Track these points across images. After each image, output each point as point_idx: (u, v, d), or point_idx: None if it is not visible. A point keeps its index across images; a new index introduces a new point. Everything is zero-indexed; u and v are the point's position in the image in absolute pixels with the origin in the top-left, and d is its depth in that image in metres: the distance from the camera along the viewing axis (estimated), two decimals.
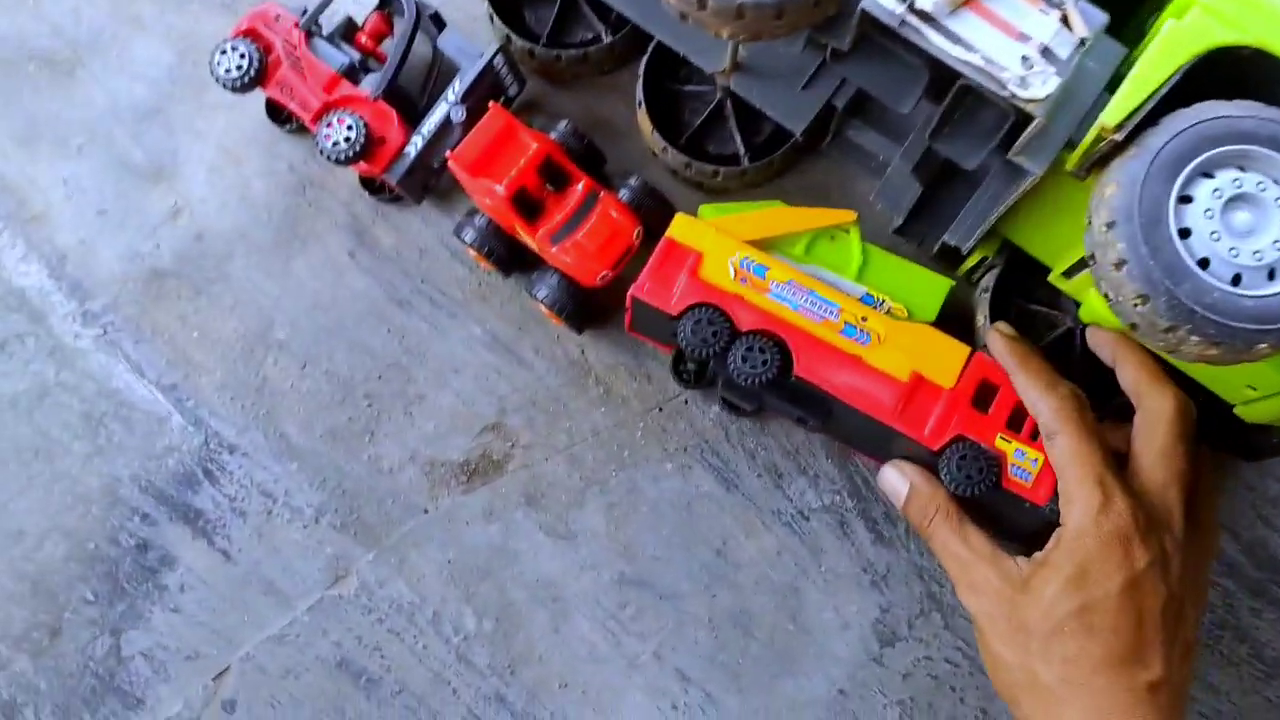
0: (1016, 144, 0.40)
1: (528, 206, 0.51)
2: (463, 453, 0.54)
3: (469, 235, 0.52)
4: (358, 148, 0.51)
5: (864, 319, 0.49)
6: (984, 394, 0.49)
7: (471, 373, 0.55)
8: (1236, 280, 0.36)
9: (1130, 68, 0.38)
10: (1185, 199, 0.37)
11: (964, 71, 0.38)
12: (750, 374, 0.48)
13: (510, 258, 0.53)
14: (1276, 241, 0.36)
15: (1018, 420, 0.48)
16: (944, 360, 0.49)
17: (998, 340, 0.48)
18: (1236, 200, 0.37)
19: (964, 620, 0.53)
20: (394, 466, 0.54)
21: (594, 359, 0.55)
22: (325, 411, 0.55)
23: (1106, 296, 0.38)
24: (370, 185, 0.56)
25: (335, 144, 0.51)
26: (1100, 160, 0.39)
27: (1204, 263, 0.36)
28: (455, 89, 0.52)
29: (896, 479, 0.49)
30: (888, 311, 0.50)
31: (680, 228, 0.49)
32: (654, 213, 0.53)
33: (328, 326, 0.55)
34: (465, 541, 0.53)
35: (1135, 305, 0.37)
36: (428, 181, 0.55)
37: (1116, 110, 0.37)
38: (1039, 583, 0.43)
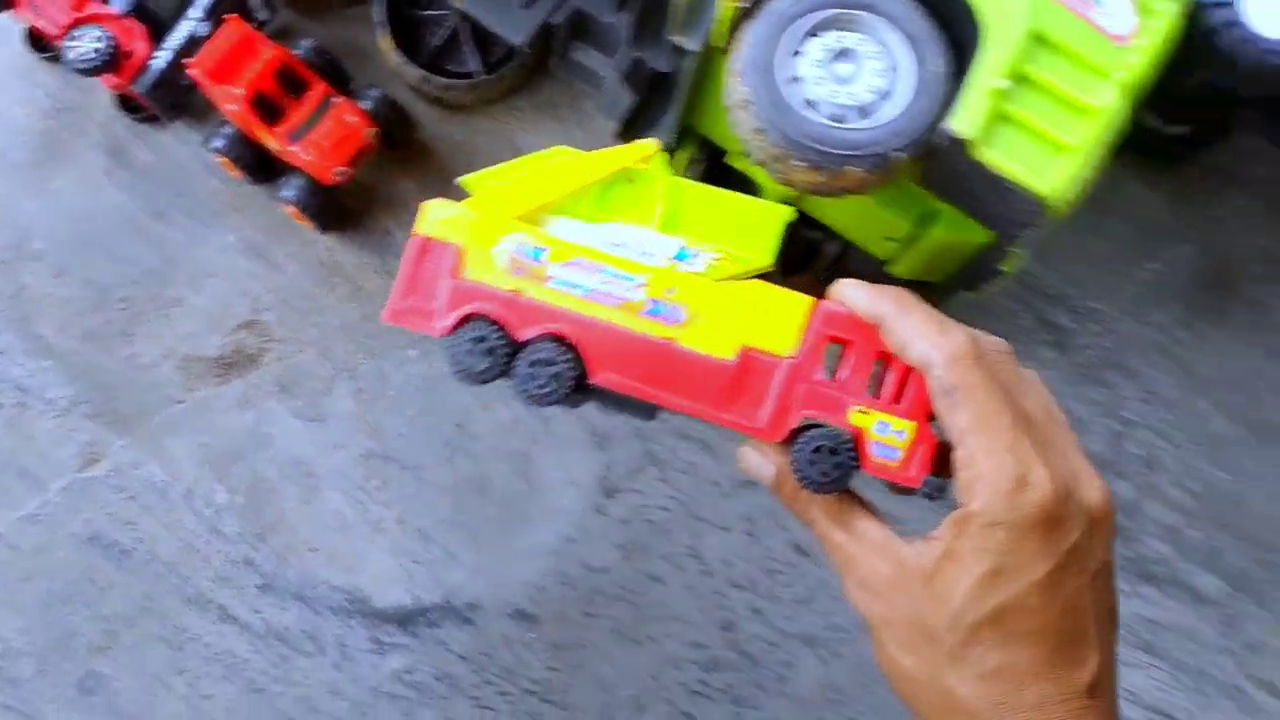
0: (671, 24, 0.47)
1: (269, 110, 0.55)
2: (218, 349, 0.58)
3: (218, 143, 0.56)
4: (105, 58, 0.55)
5: (672, 289, 0.40)
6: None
7: (226, 277, 0.59)
8: (839, 119, 0.43)
9: None
10: (798, 53, 0.44)
11: None
12: (539, 395, 0.40)
13: (257, 164, 0.57)
14: (869, 88, 0.43)
15: (878, 383, 0.39)
16: (780, 321, 0.40)
17: (859, 289, 0.39)
18: (840, 55, 0.44)
19: (680, 473, 0.58)
20: (150, 363, 0.57)
21: (342, 258, 0.59)
22: (82, 315, 0.57)
23: (739, 138, 0.45)
24: (127, 105, 0.60)
25: (83, 54, 0.54)
26: (735, 28, 0.45)
27: (813, 104, 0.43)
28: (200, 5, 0.57)
29: (758, 462, 0.41)
30: (710, 265, 0.40)
31: (430, 218, 0.40)
32: (393, 122, 0.58)
33: (85, 238, 0.58)
34: (219, 427, 0.57)
35: (756, 140, 0.43)
36: (179, 99, 0.59)
37: None
38: (944, 582, 0.36)
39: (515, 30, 0.57)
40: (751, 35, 0.44)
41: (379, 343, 0.58)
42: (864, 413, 0.39)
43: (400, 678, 0.54)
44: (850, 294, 0.38)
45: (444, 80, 0.59)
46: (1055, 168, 0.43)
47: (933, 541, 0.36)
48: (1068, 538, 0.35)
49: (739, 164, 0.55)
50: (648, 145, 0.40)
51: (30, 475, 0.55)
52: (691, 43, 0.47)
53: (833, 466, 0.38)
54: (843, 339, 0.39)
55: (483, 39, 0.60)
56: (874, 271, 0.57)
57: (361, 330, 0.58)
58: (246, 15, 0.59)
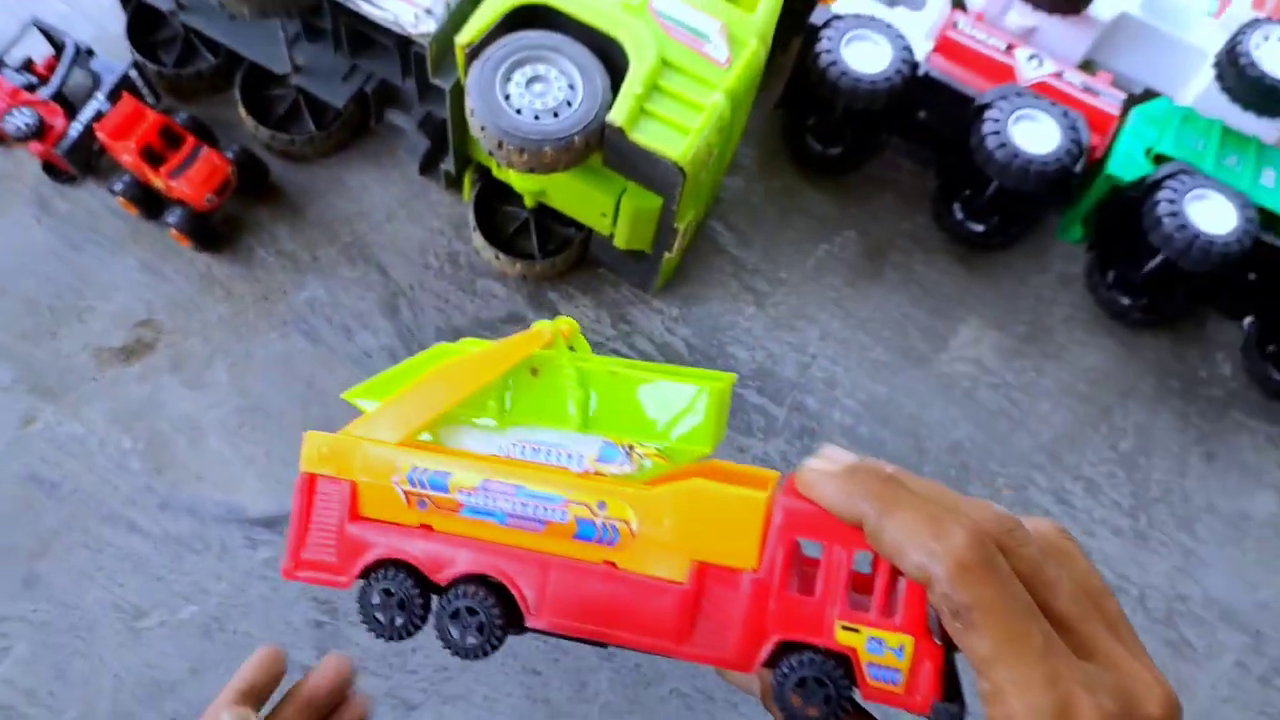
0: (429, 71, 0.69)
1: (155, 159, 0.76)
2: (122, 341, 0.77)
3: (118, 186, 0.77)
4: (34, 129, 0.75)
5: (601, 504, 0.35)
6: (803, 562, 0.35)
7: (127, 289, 0.78)
8: (538, 118, 0.65)
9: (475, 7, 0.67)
10: (509, 79, 0.66)
11: (381, 22, 0.67)
12: (469, 649, 0.35)
13: (148, 202, 0.78)
14: (555, 99, 0.66)
15: (861, 587, 0.34)
16: (733, 527, 0.34)
17: (829, 482, 0.33)
18: (535, 79, 0.66)
19: None
20: (71, 353, 0.76)
21: (216, 271, 0.79)
22: (18, 320, 0.76)
23: (476, 137, 0.66)
24: (49, 170, 0.80)
25: (17, 126, 0.75)
26: (467, 68, 0.68)
27: (519, 110, 0.65)
28: (102, 90, 0.78)
29: (743, 678, 0.37)
30: (639, 463, 0.35)
31: (314, 452, 0.36)
32: (249, 167, 0.79)
33: (20, 266, 0.77)
34: (124, 396, 0.75)
35: (482, 136, 0.65)
36: (88, 160, 0.79)
37: (466, 36, 0.66)
38: None
39: (337, 97, 0.79)
40: (474, 71, 0.66)
41: (247, 330, 0.78)
42: (851, 629, 0.33)
43: (268, 564, 0.72)
44: (820, 490, 0.33)
45: (287, 137, 0.81)
46: (681, 143, 0.65)
47: None
48: None
49: (499, 174, 0.77)
50: (539, 333, 0.36)
51: None
52: (445, 82, 0.70)
53: (823, 700, 0.33)
54: (814, 538, 0.33)
55: (316, 106, 0.82)
56: (614, 252, 0.79)
57: (233, 323, 0.78)
58: (138, 98, 0.80)
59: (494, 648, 0.35)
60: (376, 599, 0.36)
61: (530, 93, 0.66)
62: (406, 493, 0.36)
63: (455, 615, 0.35)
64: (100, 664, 0.68)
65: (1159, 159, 0.81)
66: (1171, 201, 0.77)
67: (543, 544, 0.35)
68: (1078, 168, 0.80)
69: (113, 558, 0.70)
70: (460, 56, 0.67)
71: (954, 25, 0.83)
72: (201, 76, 0.82)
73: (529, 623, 0.35)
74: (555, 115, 0.65)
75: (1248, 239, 0.76)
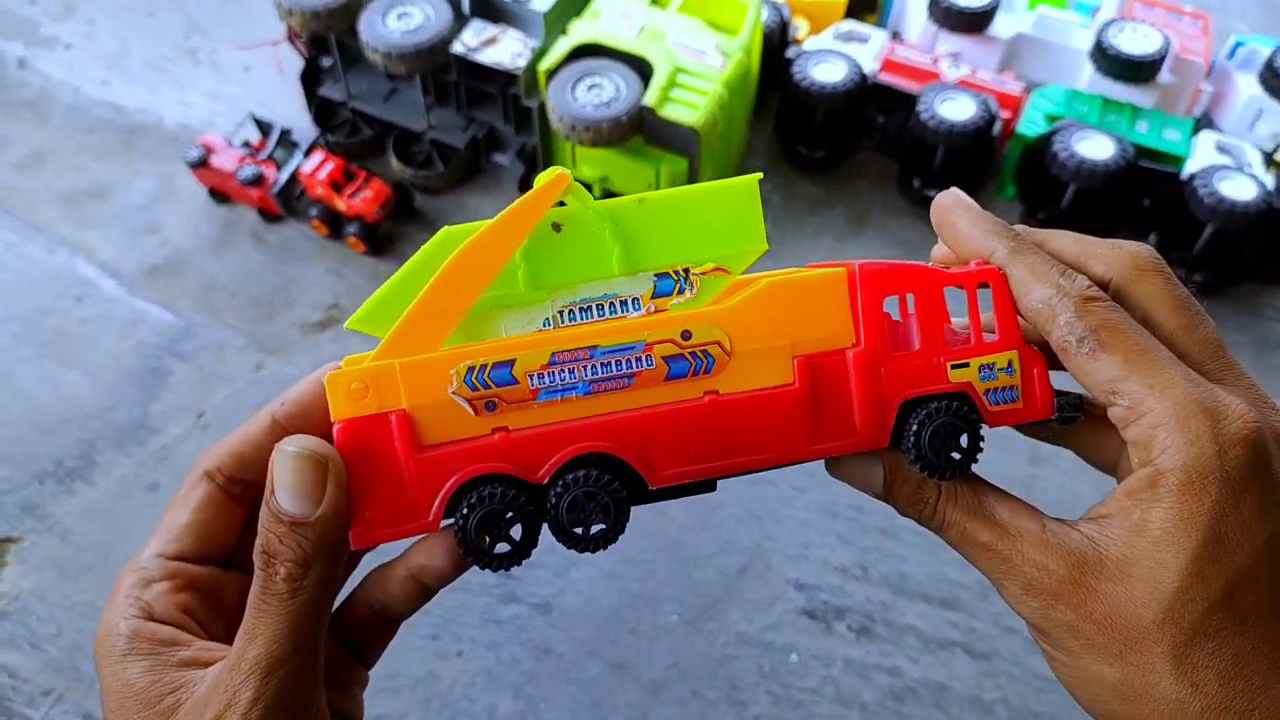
0: (522, 94, 1.03)
1: (337, 188, 1.09)
2: (319, 318, 1.08)
3: (314, 212, 1.10)
4: (255, 178, 1.10)
5: (685, 335, 0.33)
6: (892, 325, 0.35)
7: (320, 286, 1.10)
8: (596, 109, 0.97)
9: (552, 44, 1.01)
10: (574, 86, 0.99)
11: (492, 65, 1.01)
12: (595, 542, 0.33)
13: (333, 221, 1.11)
14: (607, 96, 0.98)
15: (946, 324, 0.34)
16: (825, 309, 0.34)
17: (963, 216, 0.35)
18: (593, 86, 0.99)
19: None
20: (287, 326, 1.07)
21: (382, 270, 1.11)
22: (247, 310, 1.08)
23: (555, 127, 0.99)
24: (263, 215, 1.14)
25: (245, 177, 1.10)
26: (547, 85, 1.01)
27: (584, 105, 0.98)
28: (300, 150, 1.13)
29: (859, 469, 0.35)
30: (702, 284, 0.34)
31: (342, 395, 0.33)
32: (401, 193, 1.12)
33: (246, 277, 1.10)
34: (321, 351, 1.06)
35: (559, 123, 0.97)
36: (289, 203, 1.13)
37: (546, 64, 1.00)
38: (1148, 566, 0.30)
39: (459, 141, 1.12)
40: (553, 86, 0.99)
41: None
42: (961, 365, 0.33)
43: None
44: (954, 217, 0.35)
45: (424, 174, 1.14)
46: (694, 114, 0.97)
47: (1109, 522, 0.30)
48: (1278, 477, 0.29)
49: (578, 171, 1.09)
50: (548, 176, 0.33)
51: (224, 376, 1.03)
52: (533, 102, 1.03)
53: (953, 439, 0.33)
54: (898, 292, 0.34)
55: (444, 153, 1.15)
56: None
57: None
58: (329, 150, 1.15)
59: (623, 527, 0.33)
60: (477, 527, 0.33)
61: (590, 95, 0.98)
62: (469, 400, 0.33)
63: (571, 506, 0.33)
64: None
65: (1055, 121, 1.10)
66: (1063, 142, 1.06)
67: (637, 400, 0.33)
68: (994, 130, 1.09)
69: None
70: (542, 79, 1.00)
71: (893, 50, 1.15)
72: (364, 144, 1.17)
73: (652, 485, 0.34)
74: (608, 106, 0.98)
75: (1123, 161, 1.04)
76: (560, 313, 0.35)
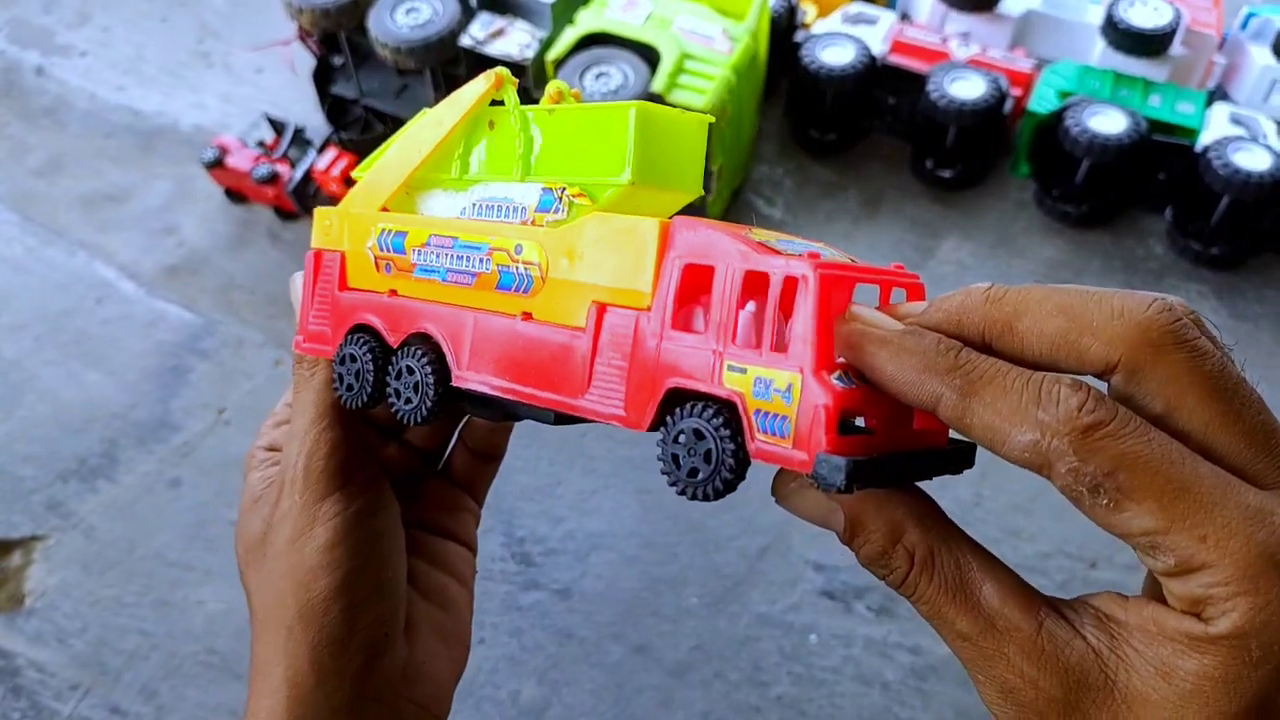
0: (531, 85, 1.03)
1: (352, 184, 1.10)
2: None
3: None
4: (270, 176, 1.11)
5: (518, 249, 0.32)
6: (699, 289, 0.29)
7: None
8: (604, 98, 0.98)
9: (559, 35, 1.01)
10: (583, 75, 0.99)
11: (501, 57, 1.02)
12: (406, 410, 0.35)
13: None
14: (615, 84, 0.98)
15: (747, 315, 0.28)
16: (630, 259, 0.30)
17: (891, 352, 0.27)
18: (600, 75, 0.99)
19: None
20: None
21: None
22: (264, 308, 1.09)
23: None
24: (279, 214, 1.15)
25: (261, 175, 1.10)
26: (556, 74, 1.01)
27: (591, 95, 0.98)
28: (314, 148, 1.14)
29: (818, 506, 0.30)
30: (571, 206, 0.32)
31: (321, 228, 0.38)
32: None
33: (263, 275, 1.11)
34: None
35: None
36: (304, 201, 1.14)
37: (554, 54, 1.00)
38: (1167, 716, 0.24)
39: None
40: (560, 74, 0.99)
41: None
42: (738, 370, 0.27)
43: None
44: (873, 362, 0.27)
45: None
46: (702, 98, 0.97)
47: (1126, 639, 0.25)
48: None
49: None
50: (492, 74, 0.34)
51: (244, 372, 1.04)
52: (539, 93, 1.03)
53: (703, 457, 0.28)
54: (705, 267, 0.28)
55: None
56: None
57: None
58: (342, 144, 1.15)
59: (430, 411, 0.35)
60: (343, 364, 0.37)
61: (598, 84, 0.99)
62: (376, 257, 0.36)
63: (399, 375, 0.35)
64: None
65: (1067, 97, 1.09)
66: (1076, 118, 1.05)
67: (473, 299, 0.34)
68: (1006, 108, 1.09)
69: None
70: (550, 70, 1.01)
71: (902, 31, 1.15)
72: (378, 140, 1.17)
73: (454, 380, 0.34)
74: (616, 94, 0.98)
75: (1137, 135, 1.03)
76: (475, 204, 0.36)
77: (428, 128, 0.37)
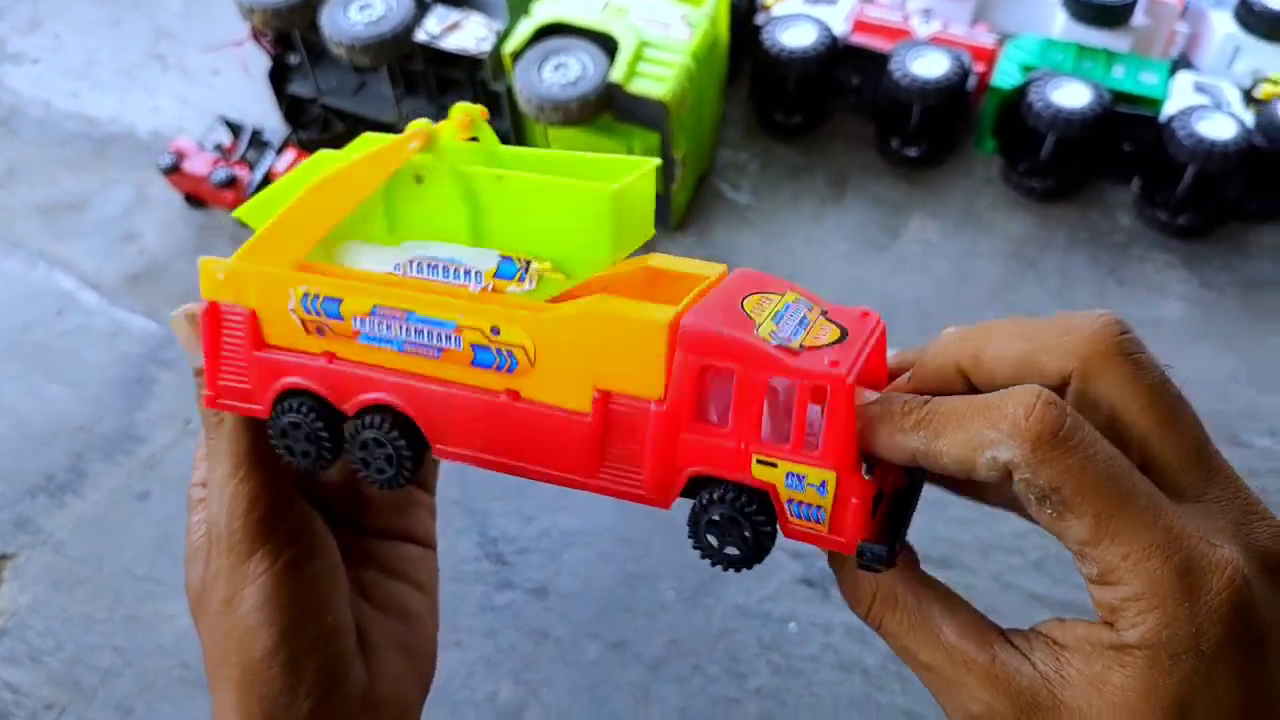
0: (490, 78, 1.02)
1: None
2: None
3: None
4: (229, 180, 1.09)
5: (494, 330, 0.32)
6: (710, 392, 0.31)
7: None
8: (563, 88, 0.96)
9: (516, 27, 1.00)
10: (541, 66, 0.98)
11: (457, 51, 1.00)
12: (380, 479, 0.35)
13: None
14: (573, 75, 0.97)
15: (778, 422, 0.30)
16: (637, 353, 0.31)
17: (868, 425, 0.30)
18: (558, 66, 0.98)
19: None
20: None
21: None
22: None
23: (522, 106, 0.98)
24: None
25: (219, 179, 1.09)
26: (513, 66, 1.00)
27: (551, 85, 0.97)
28: (272, 149, 1.12)
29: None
30: (541, 279, 0.32)
31: (211, 279, 0.35)
32: None
33: None
34: None
35: (526, 104, 0.96)
36: None
37: (510, 48, 0.99)
38: None
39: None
40: (519, 68, 0.98)
41: None
42: (768, 463, 0.30)
43: None
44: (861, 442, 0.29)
45: None
46: (662, 87, 0.96)
47: (1067, 659, 0.28)
48: (1266, 628, 0.26)
49: None
50: (416, 131, 0.33)
51: None
52: (500, 86, 1.02)
53: (740, 539, 0.31)
54: (724, 366, 0.30)
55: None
56: None
57: None
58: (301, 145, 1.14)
59: (408, 478, 0.35)
60: (284, 430, 0.35)
61: (556, 75, 0.97)
62: (303, 320, 0.34)
63: (364, 446, 0.34)
64: None
65: (1030, 71, 1.08)
66: (1039, 92, 1.05)
67: (444, 371, 0.33)
68: (969, 84, 1.08)
69: None
70: (508, 62, 0.99)
71: (863, 10, 1.14)
72: (337, 139, 1.16)
73: (434, 453, 0.34)
74: (575, 85, 0.97)
75: (1100, 107, 1.03)
76: (411, 261, 0.34)
77: (342, 179, 0.33)
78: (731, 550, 0.31)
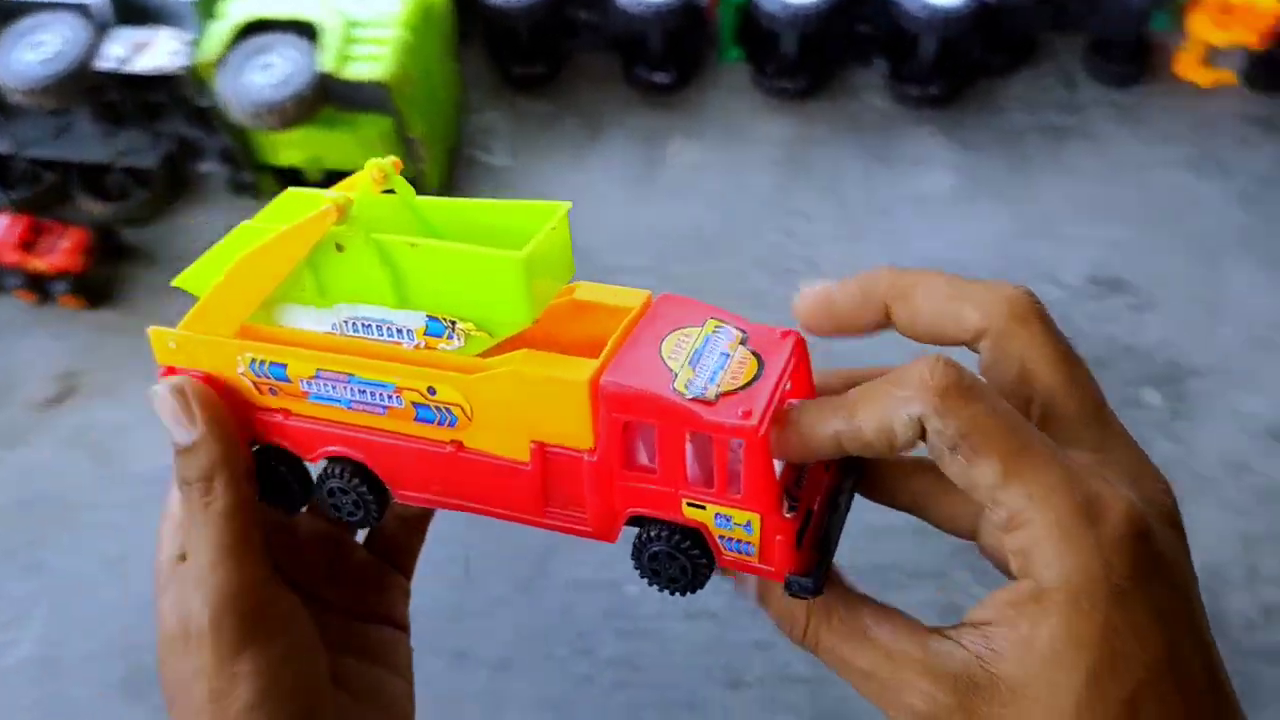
0: (196, 95, 0.94)
1: (30, 249, 0.99)
2: (56, 385, 0.99)
3: (12, 283, 1.00)
4: None
5: (430, 390, 0.34)
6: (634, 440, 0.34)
7: (43, 357, 1.00)
8: (275, 88, 0.89)
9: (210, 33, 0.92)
10: (243, 69, 0.90)
11: (151, 72, 0.92)
12: (352, 520, 0.38)
13: (38, 286, 1.01)
14: (284, 73, 0.90)
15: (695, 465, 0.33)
16: (563, 410, 0.33)
17: (797, 430, 0.32)
18: (266, 66, 0.91)
19: None
20: (12, 414, 0.98)
21: (114, 322, 1.02)
22: None
23: (234, 116, 0.90)
24: None
25: None
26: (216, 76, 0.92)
27: (262, 88, 0.90)
28: None
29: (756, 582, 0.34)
30: (469, 338, 0.34)
31: (163, 347, 0.38)
32: (100, 233, 1.02)
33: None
34: (64, 425, 0.97)
35: (235, 112, 0.89)
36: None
37: (206, 57, 0.91)
38: (1042, 688, 0.27)
39: (150, 161, 1.03)
40: (221, 76, 0.90)
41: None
42: (697, 506, 0.32)
43: None
44: (791, 447, 0.32)
45: (122, 205, 1.04)
46: (379, 67, 0.90)
47: (995, 633, 0.28)
48: (1178, 571, 0.28)
49: (284, 163, 1.01)
50: (329, 209, 0.33)
51: None
52: (208, 101, 0.94)
53: (679, 570, 0.33)
54: (642, 418, 0.32)
55: (141, 178, 1.06)
56: None
57: (140, 350, 1.01)
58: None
59: (376, 518, 0.39)
60: (265, 478, 0.39)
61: (264, 76, 0.90)
62: (254, 382, 0.37)
63: (332, 494, 0.38)
64: None
65: None
66: None
67: (390, 424, 0.36)
68: (702, 1, 1.05)
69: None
70: (209, 71, 0.92)
71: None
72: (50, 192, 1.06)
73: (396, 498, 0.38)
74: (286, 83, 0.90)
75: None
76: (346, 321, 0.36)
77: (270, 252, 0.35)
78: (673, 578, 0.34)
